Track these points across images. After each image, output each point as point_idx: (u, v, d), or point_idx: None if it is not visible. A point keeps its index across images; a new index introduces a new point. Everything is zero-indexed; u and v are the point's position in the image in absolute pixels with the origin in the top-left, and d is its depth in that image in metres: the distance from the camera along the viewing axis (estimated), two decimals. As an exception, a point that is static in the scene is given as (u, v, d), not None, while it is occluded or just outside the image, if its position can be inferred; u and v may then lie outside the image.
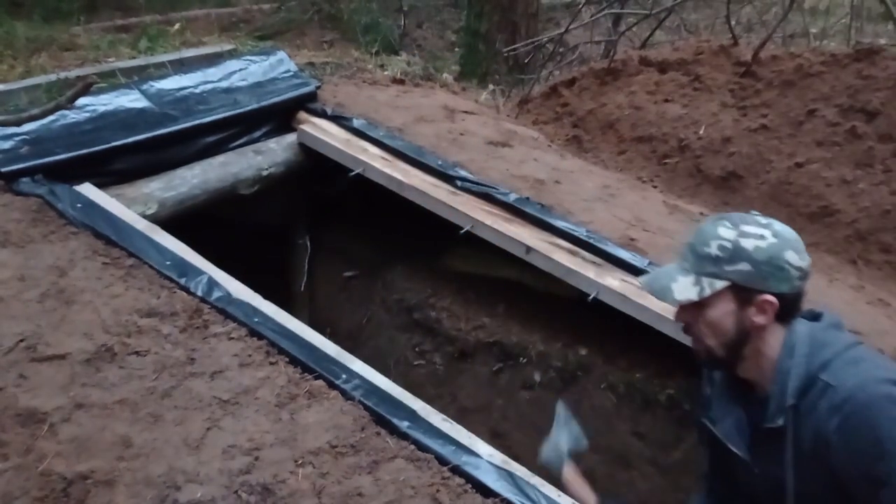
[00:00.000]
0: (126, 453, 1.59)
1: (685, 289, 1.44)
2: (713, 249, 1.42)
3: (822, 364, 1.36)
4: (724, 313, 1.44)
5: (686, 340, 2.19)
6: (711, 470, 1.63)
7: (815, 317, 1.47)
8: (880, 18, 5.93)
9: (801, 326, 1.42)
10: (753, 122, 3.51)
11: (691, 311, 1.47)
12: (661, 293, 1.48)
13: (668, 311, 2.21)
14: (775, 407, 1.39)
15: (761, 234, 1.40)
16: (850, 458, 1.29)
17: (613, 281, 2.40)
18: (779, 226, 1.43)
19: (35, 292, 2.00)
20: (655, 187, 3.42)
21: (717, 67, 3.81)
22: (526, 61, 5.82)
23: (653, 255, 2.47)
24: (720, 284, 1.42)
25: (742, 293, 1.42)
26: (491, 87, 5.57)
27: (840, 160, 3.27)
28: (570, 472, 1.83)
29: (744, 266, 1.40)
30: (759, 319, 1.42)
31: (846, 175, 3.21)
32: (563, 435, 1.90)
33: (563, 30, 5.11)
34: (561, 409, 1.96)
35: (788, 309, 1.43)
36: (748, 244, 1.40)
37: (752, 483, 1.49)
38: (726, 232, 1.42)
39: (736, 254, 1.40)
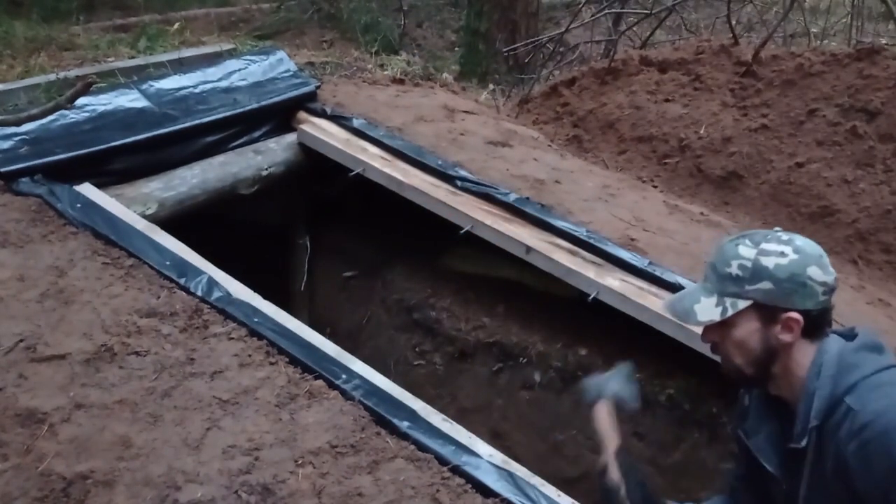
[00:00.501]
0: (126, 453, 1.59)
1: (708, 310, 1.44)
2: (734, 269, 1.41)
3: (848, 387, 1.34)
4: (749, 332, 1.43)
5: (685, 341, 2.21)
6: (743, 480, 1.62)
7: (852, 337, 1.45)
8: (881, 18, 5.93)
9: (833, 346, 1.41)
10: (754, 121, 3.51)
11: (717, 331, 1.46)
12: (684, 315, 1.47)
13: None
14: (800, 427, 1.39)
15: (781, 251, 1.39)
16: (869, 483, 1.28)
17: (613, 281, 2.40)
18: (801, 241, 1.42)
19: (34, 292, 2.00)
20: (655, 187, 3.42)
21: (717, 67, 3.81)
22: (526, 61, 5.82)
23: (653, 255, 2.46)
24: (743, 304, 1.41)
25: (766, 311, 1.41)
26: (491, 86, 5.57)
27: (841, 160, 3.27)
28: (602, 410, 1.76)
29: (765, 284, 1.39)
30: (785, 337, 1.41)
31: (847, 175, 3.21)
32: (617, 380, 1.82)
33: (563, 29, 5.11)
34: (626, 366, 1.87)
35: (816, 325, 1.41)
36: (768, 262, 1.39)
37: (781, 498, 1.49)
38: (746, 251, 1.41)
39: (756, 273, 1.39)
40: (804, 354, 1.42)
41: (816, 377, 1.38)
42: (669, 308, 1.53)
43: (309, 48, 6.08)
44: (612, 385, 1.79)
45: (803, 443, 1.38)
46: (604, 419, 1.75)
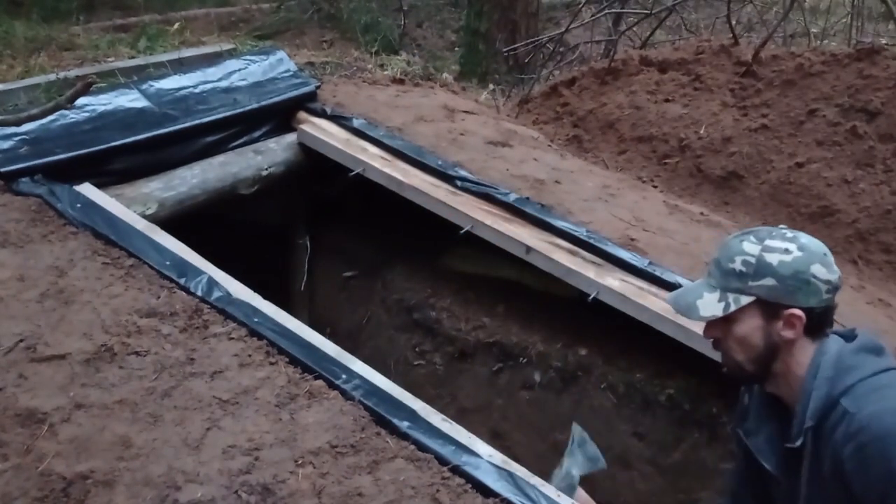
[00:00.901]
0: (126, 453, 1.59)
1: (711, 305, 1.44)
2: (737, 265, 1.42)
3: (845, 389, 1.34)
4: (751, 328, 1.43)
5: (685, 340, 2.21)
6: (743, 479, 1.62)
7: (852, 337, 1.45)
8: (881, 18, 5.93)
9: (832, 346, 1.41)
10: (754, 121, 3.51)
11: (719, 327, 1.47)
12: (686, 310, 1.48)
13: (667, 311, 2.22)
14: (797, 427, 1.39)
15: (786, 247, 1.40)
16: (865, 486, 1.28)
17: (613, 281, 2.40)
18: (805, 239, 1.42)
19: (34, 292, 2.00)
20: (655, 187, 3.42)
21: (717, 67, 3.81)
22: (526, 61, 5.82)
23: (653, 255, 2.46)
24: (746, 300, 1.41)
25: (769, 308, 1.41)
26: (491, 86, 5.58)
27: (841, 160, 3.27)
28: (581, 499, 1.78)
29: (769, 281, 1.39)
30: (788, 334, 1.41)
31: (847, 175, 3.21)
32: (576, 459, 1.86)
33: (563, 29, 5.11)
34: (576, 432, 1.91)
35: (818, 323, 1.42)
36: (772, 259, 1.39)
37: (780, 497, 1.49)
38: (750, 247, 1.42)
39: (760, 269, 1.40)
40: (804, 353, 1.42)
41: (814, 378, 1.38)
42: (672, 303, 1.53)
43: (309, 48, 6.08)
44: (575, 469, 1.81)
45: (798, 443, 1.38)
46: None
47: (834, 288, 1.41)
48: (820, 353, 1.40)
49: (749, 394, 1.59)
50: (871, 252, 3.05)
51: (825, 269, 1.39)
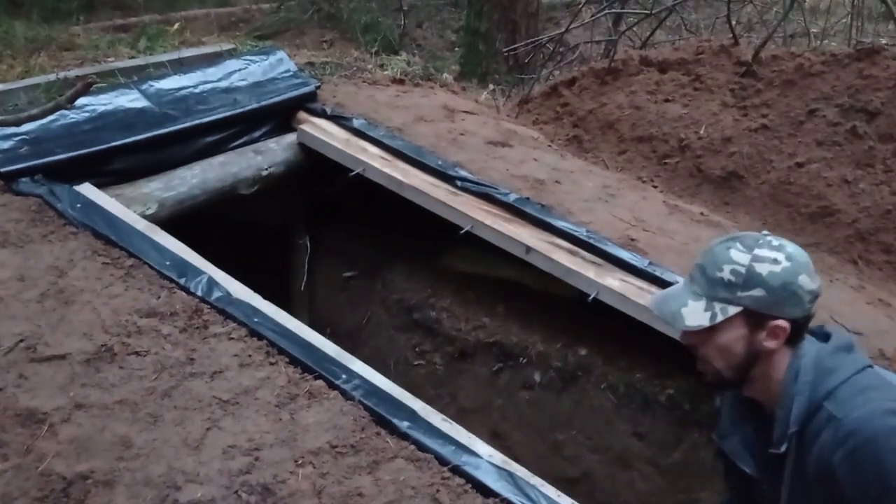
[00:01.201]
0: (126, 453, 1.59)
1: (696, 314, 1.41)
2: (726, 274, 1.39)
3: (827, 392, 1.33)
4: (734, 338, 1.41)
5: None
6: (727, 481, 1.62)
7: (825, 336, 1.44)
8: (881, 18, 5.93)
9: (809, 349, 1.40)
10: (754, 121, 3.51)
11: (700, 335, 1.44)
12: (671, 319, 1.45)
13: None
14: (779, 432, 1.38)
15: (775, 257, 1.37)
16: (856, 491, 1.27)
17: (613, 281, 2.40)
18: (791, 248, 1.40)
19: (34, 292, 2.00)
20: (655, 187, 3.42)
21: (717, 67, 3.81)
22: (526, 61, 5.81)
23: (653, 255, 2.46)
24: (733, 310, 1.39)
25: (754, 318, 1.39)
26: (491, 86, 5.57)
27: (841, 160, 3.27)
28: None
29: (758, 292, 1.37)
30: (771, 344, 1.39)
31: (847, 175, 3.21)
32: None
33: (563, 29, 5.10)
34: None
35: (799, 332, 1.41)
36: (762, 269, 1.37)
37: (762, 498, 1.48)
38: (739, 256, 1.39)
39: (750, 279, 1.37)
40: (782, 358, 1.41)
41: (794, 382, 1.37)
42: (655, 308, 1.51)
43: (309, 48, 6.07)
44: None
45: (783, 448, 1.37)
46: None
47: (815, 297, 1.40)
48: (798, 357, 1.39)
49: (721, 397, 1.58)
50: (871, 252, 3.05)
51: (810, 278, 1.38)
